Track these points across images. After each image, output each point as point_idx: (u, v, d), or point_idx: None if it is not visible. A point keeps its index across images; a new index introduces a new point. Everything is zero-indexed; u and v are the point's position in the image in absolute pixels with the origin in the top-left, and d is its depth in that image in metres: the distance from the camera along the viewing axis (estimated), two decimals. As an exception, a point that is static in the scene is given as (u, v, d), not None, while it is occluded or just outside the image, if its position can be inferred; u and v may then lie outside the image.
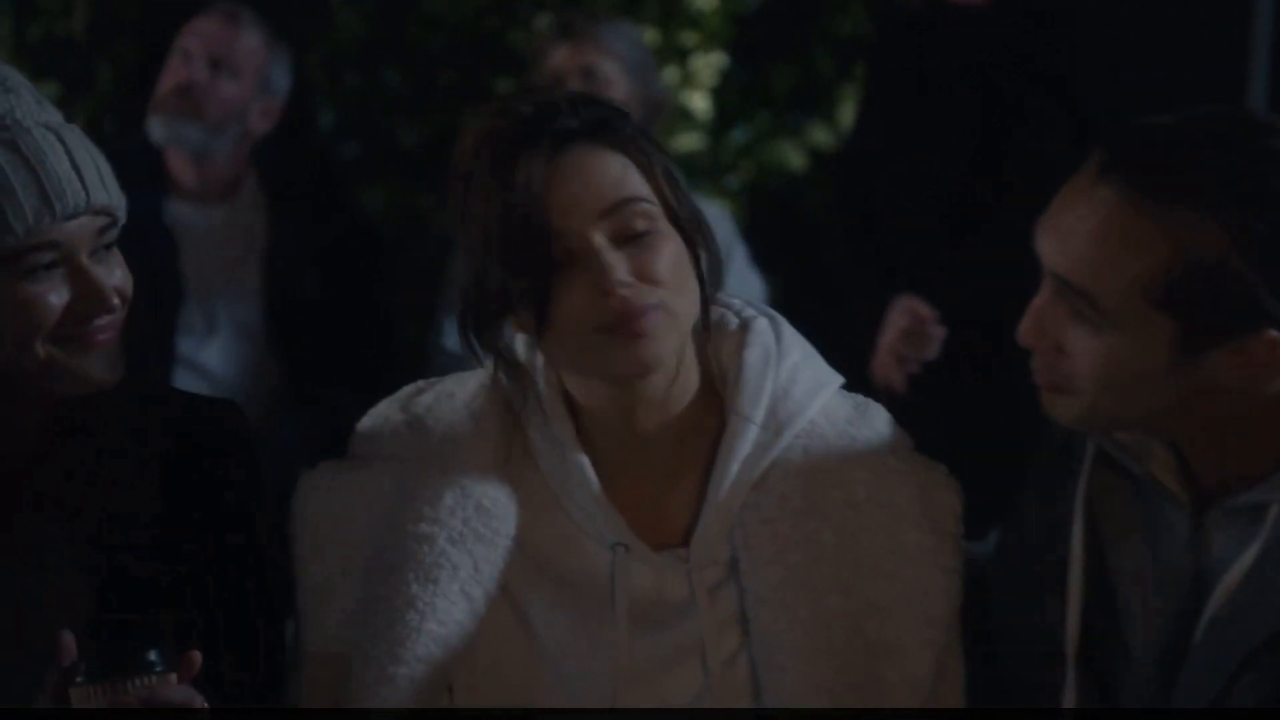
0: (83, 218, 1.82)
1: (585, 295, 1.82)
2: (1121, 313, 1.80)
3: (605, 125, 1.86)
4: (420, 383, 2.01)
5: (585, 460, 1.91)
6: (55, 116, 1.86)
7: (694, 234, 1.89)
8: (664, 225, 1.86)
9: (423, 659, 1.87)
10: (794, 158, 5.09)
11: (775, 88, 5.11)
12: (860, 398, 2.02)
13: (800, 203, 5.11)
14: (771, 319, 1.99)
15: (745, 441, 1.92)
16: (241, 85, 3.69)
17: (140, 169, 3.66)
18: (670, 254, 1.86)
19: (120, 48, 4.52)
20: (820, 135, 5.10)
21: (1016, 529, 2.00)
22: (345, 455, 2.03)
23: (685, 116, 4.88)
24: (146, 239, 3.62)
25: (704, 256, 1.90)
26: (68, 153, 1.82)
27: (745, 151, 5.10)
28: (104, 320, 1.84)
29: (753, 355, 1.94)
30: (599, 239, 1.83)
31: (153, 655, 1.71)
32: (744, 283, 3.93)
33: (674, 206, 1.87)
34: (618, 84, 3.82)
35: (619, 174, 1.85)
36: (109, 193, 1.85)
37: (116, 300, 1.85)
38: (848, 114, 5.00)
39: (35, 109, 1.84)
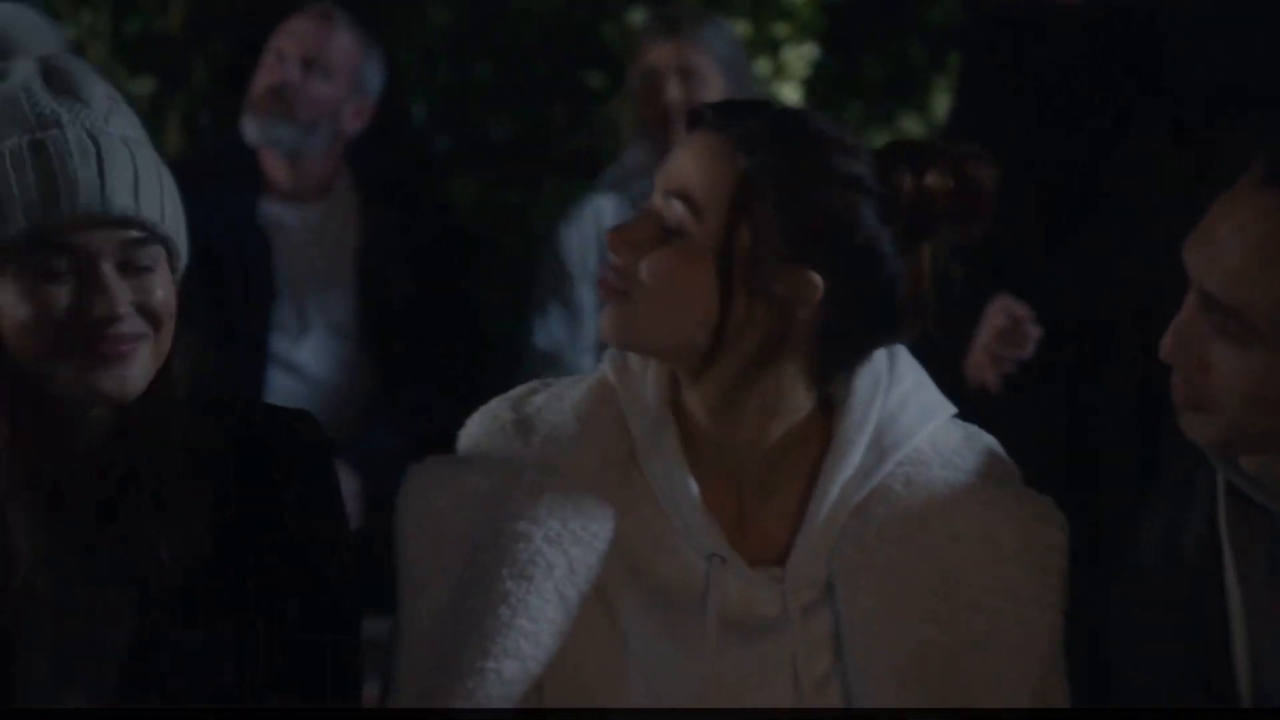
0: (106, 228, 1.82)
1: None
2: (1272, 329, 1.77)
3: (740, 130, 1.87)
4: (535, 383, 2.02)
5: (687, 470, 1.92)
6: (125, 129, 1.86)
7: (737, 287, 1.86)
8: (696, 242, 1.86)
9: (511, 654, 1.88)
10: (886, 147, 5.06)
11: (867, 78, 5.09)
12: (972, 428, 2.00)
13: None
14: (889, 346, 1.98)
15: (847, 466, 1.91)
16: (335, 85, 3.71)
17: (234, 169, 3.69)
18: (672, 267, 1.87)
19: (215, 44, 4.55)
20: (912, 125, 5.07)
21: (1134, 565, 1.96)
22: (452, 452, 2.04)
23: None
24: (241, 238, 3.65)
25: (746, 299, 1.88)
26: (99, 159, 1.82)
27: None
28: (112, 331, 1.82)
29: (862, 380, 1.93)
30: (647, 204, 1.89)
31: None
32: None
33: (726, 245, 1.85)
34: (714, 83, 3.81)
35: (695, 170, 1.87)
36: (141, 205, 1.83)
37: (125, 313, 1.82)
38: (940, 104, 4.97)
39: (99, 118, 1.85)
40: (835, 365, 1.93)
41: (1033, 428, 3.45)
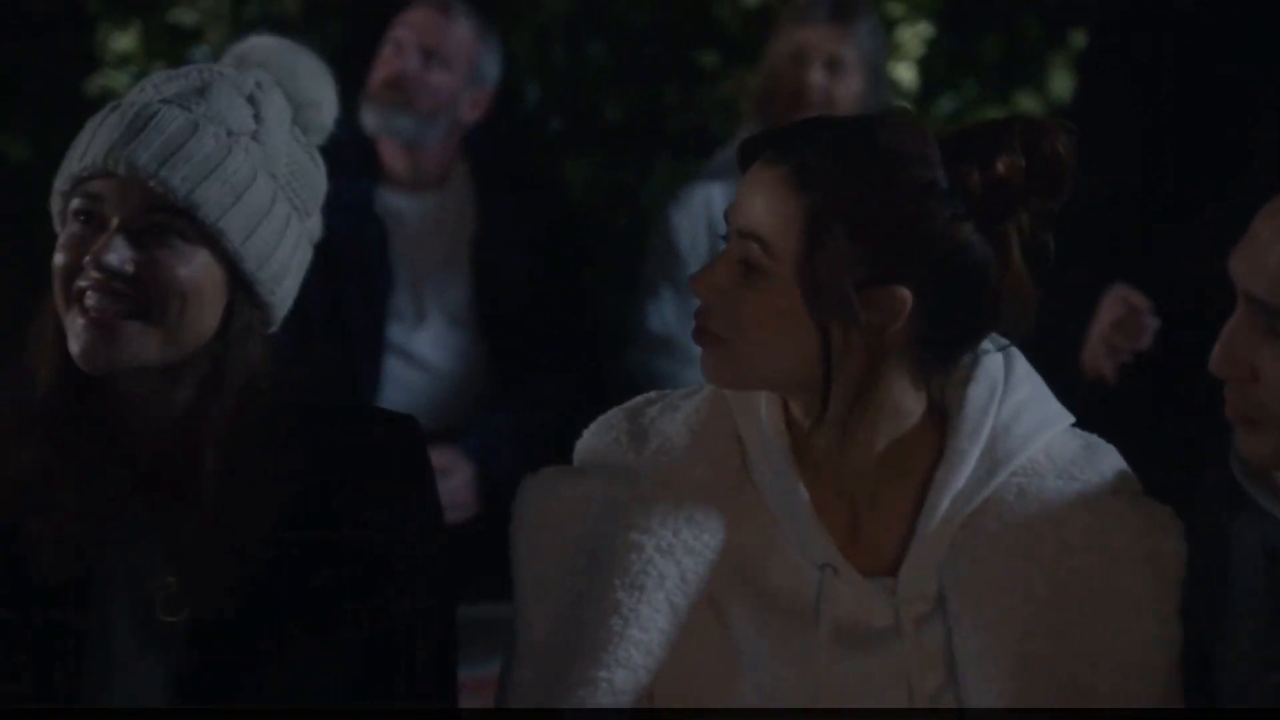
0: (132, 183, 1.83)
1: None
2: None
3: (810, 175, 1.85)
4: (653, 394, 2.03)
5: (798, 480, 1.92)
6: (239, 122, 1.89)
7: (831, 318, 1.85)
8: (776, 279, 1.85)
9: (623, 663, 1.89)
10: (997, 127, 5.01)
11: (983, 57, 5.04)
12: (1092, 438, 1.98)
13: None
14: (1007, 354, 1.96)
15: (959, 477, 1.90)
16: (453, 76, 3.71)
17: (352, 159, 3.70)
18: (761, 304, 1.86)
19: (332, 27, 4.57)
20: (1029, 104, 5.01)
21: (1191, 573, 1.95)
22: (567, 438, 2.05)
23: (892, 88, 4.82)
24: (358, 227, 3.67)
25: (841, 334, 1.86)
26: (150, 126, 1.84)
27: (952, 121, 5.04)
28: (83, 282, 1.81)
29: (977, 390, 1.92)
30: (724, 248, 1.89)
31: None
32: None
33: (806, 278, 1.84)
34: (854, 78, 3.79)
35: (769, 210, 1.86)
36: (165, 171, 1.83)
37: (101, 270, 1.80)
38: (1058, 83, 4.92)
39: (216, 109, 1.88)
40: (940, 365, 1.92)
41: (1147, 418, 3.41)
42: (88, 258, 1.82)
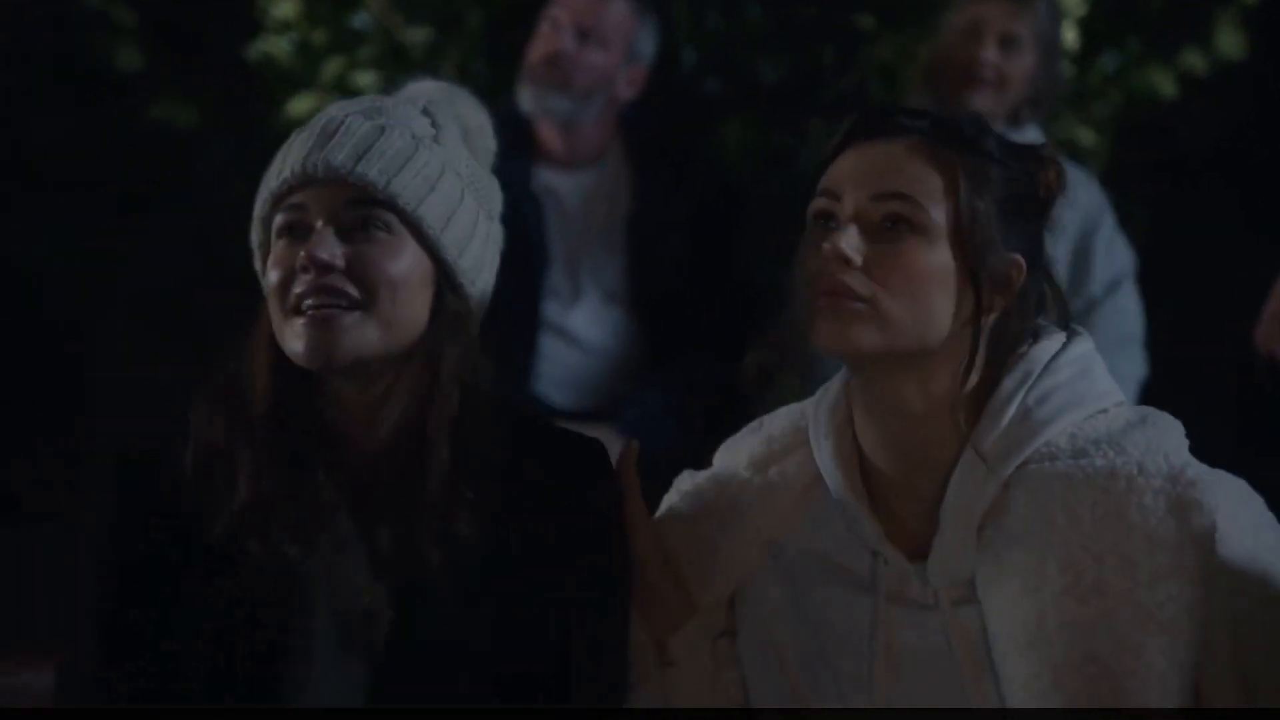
0: (332, 185, 1.88)
1: (816, 255, 1.90)
2: None
3: (940, 137, 1.91)
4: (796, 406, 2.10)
5: (843, 471, 1.97)
6: (420, 128, 1.96)
7: (979, 272, 1.89)
8: (932, 238, 1.89)
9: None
10: (1165, 84, 4.92)
11: (1146, 13, 4.94)
12: (1151, 415, 1.97)
13: (1171, 131, 4.95)
14: (1068, 338, 1.98)
15: (971, 468, 1.93)
16: (609, 54, 3.72)
17: (509, 137, 3.70)
18: (916, 263, 1.88)
19: (490, -1, 4.59)
20: (1194, 60, 4.92)
21: None
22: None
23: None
24: (515, 205, 3.65)
25: (995, 304, 1.92)
26: (341, 131, 1.90)
27: (1114, 79, 4.95)
28: (299, 287, 1.87)
29: (1009, 379, 1.95)
30: (850, 210, 1.90)
31: None
32: (1111, 253, 3.83)
33: (963, 234, 1.89)
34: (1027, 57, 3.75)
35: (913, 173, 1.90)
36: (360, 166, 1.89)
37: (314, 264, 1.85)
38: (1224, 39, 4.82)
39: (397, 116, 1.95)
40: (1003, 347, 1.95)
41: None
42: (299, 258, 1.85)
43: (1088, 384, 1.97)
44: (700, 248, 3.73)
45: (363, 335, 1.87)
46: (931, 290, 1.89)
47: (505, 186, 3.61)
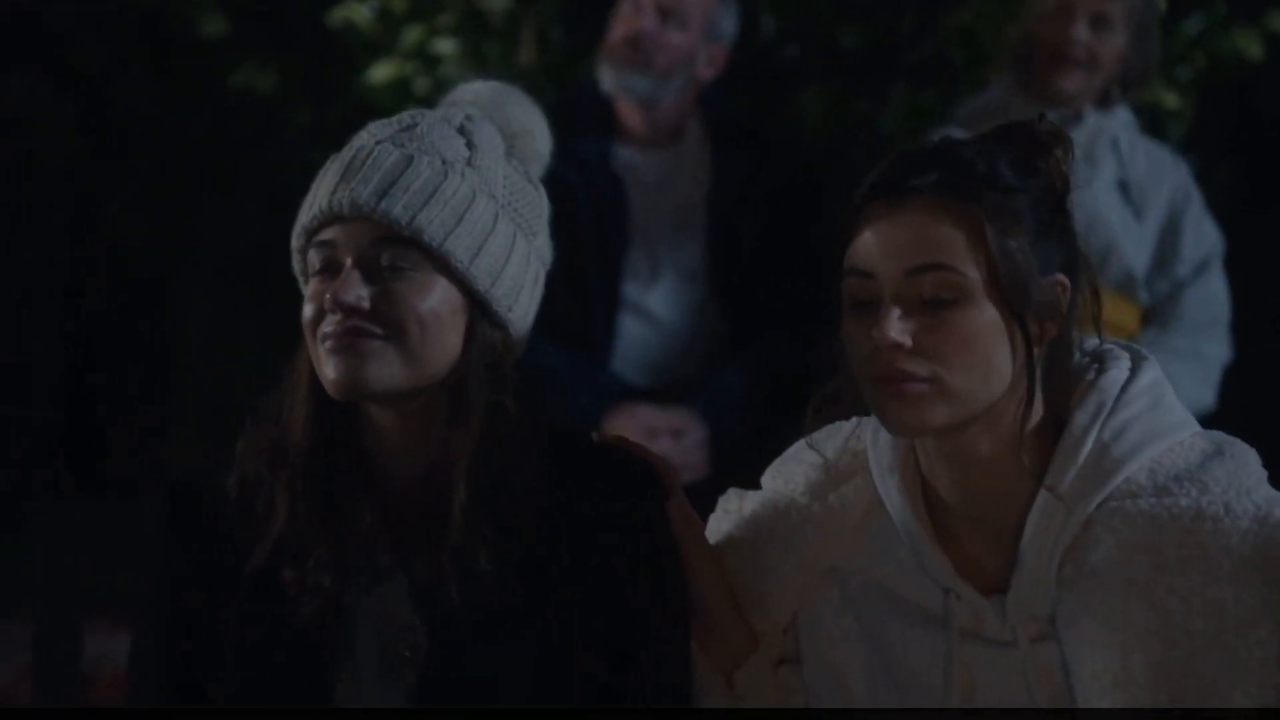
0: (358, 221, 1.88)
1: (867, 342, 1.88)
2: None
3: (955, 188, 1.88)
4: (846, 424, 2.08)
5: (913, 508, 1.95)
6: (452, 151, 1.94)
7: (1022, 311, 1.87)
8: (974, 298, 1.87)
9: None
10: (1251, 47, 4.86)
11: (1231, -26, 4.88)
12: (1225, 443, 1.95)
13: (1256, 94, 4.89)
14: (1135, 365, 1.95)
15: (1053, 506, 1.90)
16: (689, 34, 3.70)
17: (589, 116, 3.73)
18: (966, 329, 1.86)
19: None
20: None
21: None
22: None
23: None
24: (594, 184, 3.69)
25: (1036, 333, 1.89)
26: (369, 165, 1.90)
27: (1198, 41, 4.89)
28: (327, 326, 1.88)
29: (1082, 413, 1.93)
30: (889, 290, 1.87)
31: None
32: (1198, 234, 3.80)
33: (1002, 282, 1.86)
34: (1118, 38, 3.70)
35: (939, 238, 1.87)
36: (385, 204, 1.88)
37: (340, 307, 1.86)
38: (1312, 1, 4.77)
39: (429, 141, 1.93)
40: (1060, 369, 1.93)
41: None
42: (327, 298, 1.87)
43: (1162, 414, 1.95)
44: (779, 228, 3.71)
45: (390, 367, 1.88)
46: (988, 349, 1.87)
47: (584, 166, 3.66)
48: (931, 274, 1.87)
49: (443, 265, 1.90)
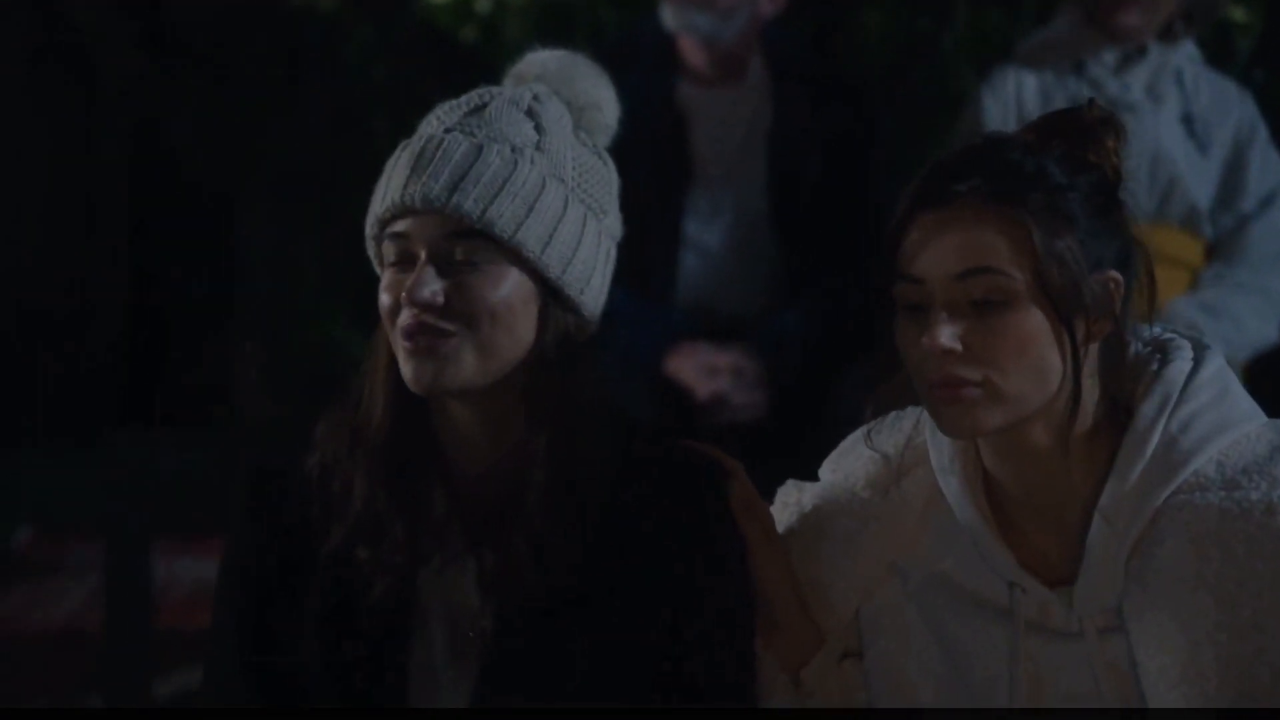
0: (432, 215, 1.90)
1: (918, 349, 1.89)
2: None
3: (999, 192, 1.88)
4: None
5: (974, 503, 1.95)
6: (521, 136, 1.94)
7: (1072, 311, 1.87)
8: (1023, 300, 1.87)
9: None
10: (1320, -43, 4.80)
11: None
12: None
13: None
14: (1198, 355, 1.95)
15: (1121, 495, 1.91)
16: (751, -29, 3.68)
17: (652, 53, 3.71)
18: (1017, 331, 1.86)
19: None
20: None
21: None
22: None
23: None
24: (656, 122, 3.68)
25: (1085, 329, 1.89)
26: (439, 157, 1.91)
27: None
28: (404, 321, 1.90)
29: (1148, 405, 1.92)
30: (938, 296, 1.88)
31: None
32: (1264, 167, 3.76)
33: (1051, 284, 1.86)
34: None
35: (985, 243, 1.87)
36: (456, 198, 1.90)
37: (414, 304, 1.89)
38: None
39: (497, 128, 1.94)
40: (1116, 361, 1.93)
41: None
42: (403, 295, 1.90)
43: (1229, 406, 1.94)
44: (840, 168, 3.70)
45: (464, 363, 1.90)
46: (1039, 350, 1.87)
47: (647, 103, 3.65)
48: (979, 278, 1.87)
49: (514, 256, 1.92)
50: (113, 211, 5.36)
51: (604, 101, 2.05)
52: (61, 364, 5.30)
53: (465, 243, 1.90)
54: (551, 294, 1.94)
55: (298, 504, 1.97)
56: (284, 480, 1.98)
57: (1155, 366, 1.95)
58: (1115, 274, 1.91)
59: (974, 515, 1.96)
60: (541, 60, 2.05)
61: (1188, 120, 3.75)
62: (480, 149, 1.92)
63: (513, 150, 1.93)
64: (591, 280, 1.97)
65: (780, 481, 3.59)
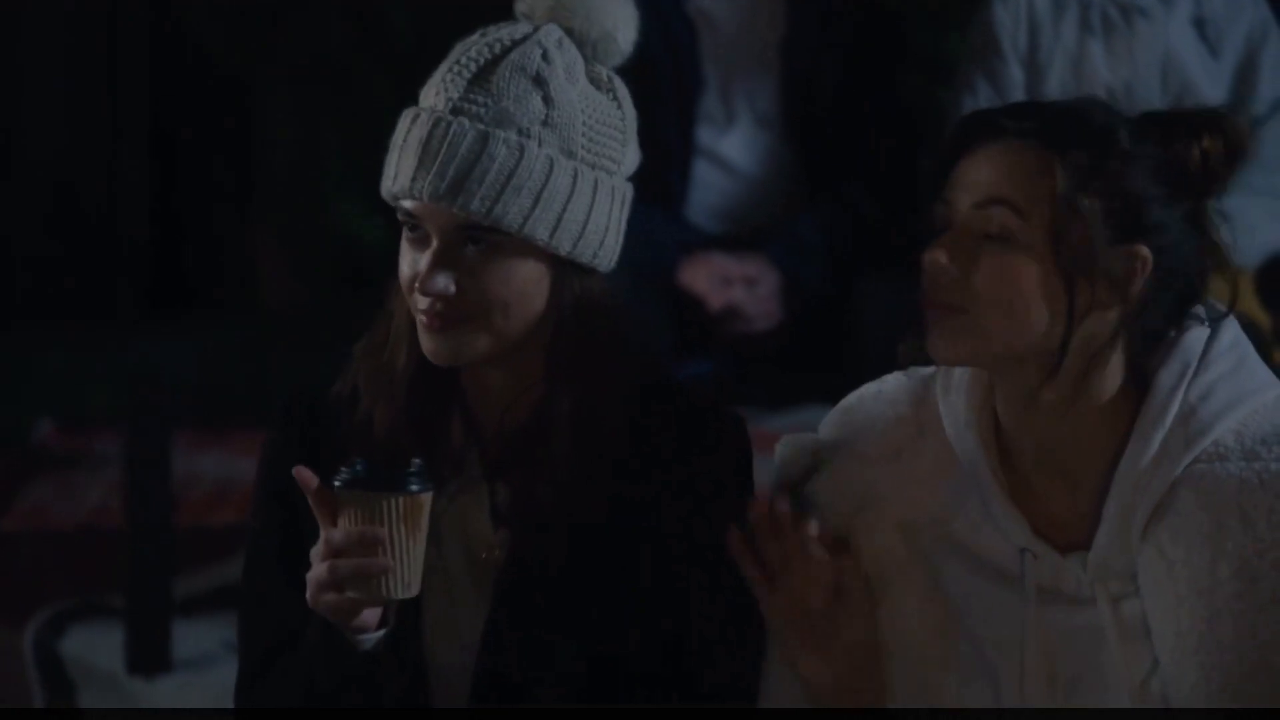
0: (442, 204, 1.92)
1: (927, 262, 1.92)
2: None
3: (1042, 136, 1.89)
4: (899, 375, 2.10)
5: (989, 466, 1.97)
6: (527, 115, 1.94)
7: (1076, 271, 1.88)
8: (1025, 244, 1.88)
9: None
10: None
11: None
12: None
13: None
14: (1216, 326, 1.95)
15: (1140, 462, 1.92)
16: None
17: (664, -39, 3.69)
18: (1006, 269, 1.88)
19: None
20: None
21: None
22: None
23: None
24: (669, 29, 3.66)
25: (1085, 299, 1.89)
26: (452, 151, 1.92)
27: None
28: (419, 304, 1.94)
29: (1167, 373, 1.93)
30: (958, 218, 1.90)
31: (414, 484, 1.87)
32: (1276, 72, 3.74)
33: (1061, 236, 1.87)
34: None
35: (1011, 178, 1.89)
36: (464, 195, 1.92)
37: (425, 291, 1.92)
38: None
39: (502, 108, 1.94)
40: (1148, 338, 1.93)
41: None
42: (415, 283, 1.94)
43: (1247, 375, 1.94)
44: (855, 74, 3.69)
45: (480, 343, 1.95)
46: (1023, 295, 1.89)
47: (658, 11, 3.62)
48: (996, 208, 1.89)
49: (524, 243, 1.95)
50: (134, 101, 5.37)
51: (620, 24, 2.03)
52: (85, 253, 5.33)
53: (474, 233, 1.94)
54: (564, 265, 1.97)
55: (329, 426, 2.02)
56: (318, 402, 2.04)
57: (1172, 334, 1.95)
58: (1143, 249, 1.90)
59: (987, 475, 1.96)
60: None
61: (1199, 23, 3.72)
62: (485, 139, 1.93)
63: (519, 134, 1.93)
64: (605, 241, 1.99)
65: (803, 393, 3.60)
